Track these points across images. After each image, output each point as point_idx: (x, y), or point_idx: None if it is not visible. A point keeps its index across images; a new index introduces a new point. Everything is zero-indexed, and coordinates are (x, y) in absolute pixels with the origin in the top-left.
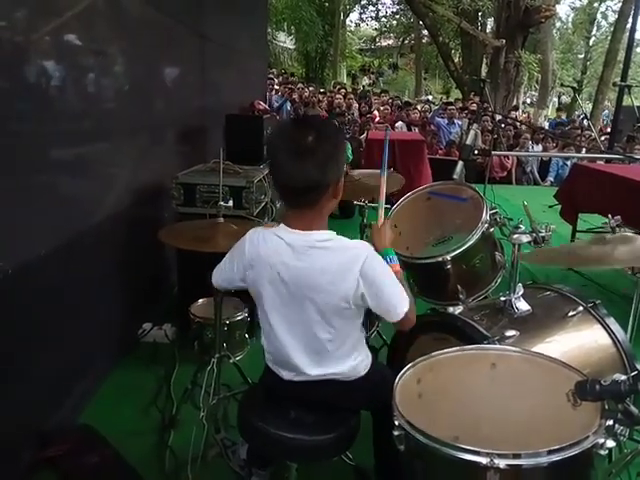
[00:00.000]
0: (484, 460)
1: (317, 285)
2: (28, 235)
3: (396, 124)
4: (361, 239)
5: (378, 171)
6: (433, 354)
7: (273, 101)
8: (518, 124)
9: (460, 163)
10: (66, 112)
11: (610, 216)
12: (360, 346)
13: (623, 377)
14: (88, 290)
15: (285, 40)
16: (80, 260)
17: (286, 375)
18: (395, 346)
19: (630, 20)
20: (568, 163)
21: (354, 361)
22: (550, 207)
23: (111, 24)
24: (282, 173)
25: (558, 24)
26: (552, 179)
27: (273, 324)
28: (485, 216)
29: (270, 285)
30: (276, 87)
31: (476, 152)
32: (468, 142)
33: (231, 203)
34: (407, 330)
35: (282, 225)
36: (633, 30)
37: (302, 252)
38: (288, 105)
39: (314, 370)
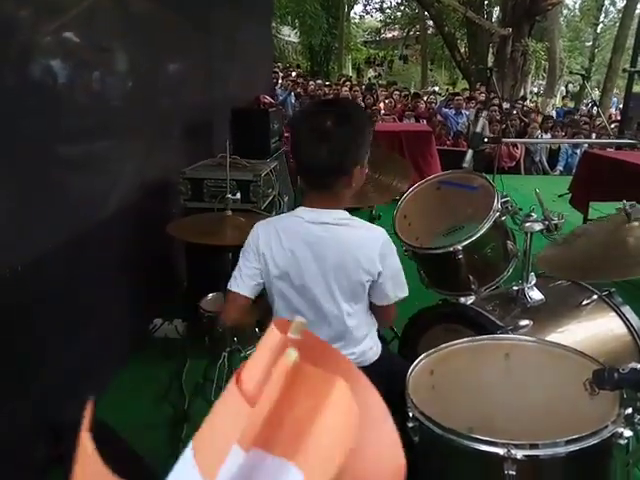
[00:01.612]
0: (501, 451)
1: (339, 260)
2: (36, 232)
3: (404, 114)
4: None
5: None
6: (446, 345)
7: (277, 95)
8: (526, 108)
9: (470, 151)
10: (72, 109)
11: (625, 201)
12: (373, 331)
13: None
14: (97, 287)
15: (289, 34)
16: (88, 257)
17: None
18: (406, 337)
19: (639, 5)
20: (577, 152)
21: (366, 346)
22: (560, 196)
23: (117, 19)
24: (301, 154)
25: (565, 11)
26: (561, 168)
27: (291, 305)
28: (496, 204)
29: (291, 265)
30: (280, 81)
31: (486, 140)
32: (477, 130)
33: (239, 196)
34: (385, 324)
35: (300, 207)
36: None
37: (324, 228)
38: (292, 98)
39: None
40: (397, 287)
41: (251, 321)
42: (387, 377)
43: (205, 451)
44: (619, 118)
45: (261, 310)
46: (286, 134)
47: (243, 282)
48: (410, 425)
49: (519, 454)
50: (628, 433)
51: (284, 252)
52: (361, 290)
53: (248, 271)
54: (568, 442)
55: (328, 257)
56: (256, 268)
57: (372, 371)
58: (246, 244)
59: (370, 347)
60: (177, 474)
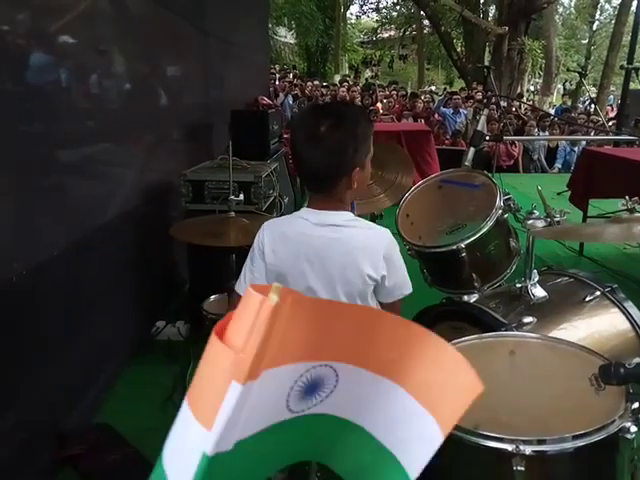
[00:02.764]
0: (509, 447)
1: (344, 262)
2: (40, 236)
3: (402, 113)
4: None
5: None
6: (450, 343)
7: (279, 98)
8: (524, 109)
9: (471, 150)
10: (73, 113)
11: (627, 197)
12: None
13: None
14: (100, 290)
15: (286, 35)
16: (91, 260)
17: None
18: None
19: (635, 2)
20: (575, 149)
21: None
22: (559, 194)
23: (115, 22)
24: (298, 157)
25: (560, 9)
26: (559, 166)
27: None
28: (499, 202)
29: (294, 266)
30: (277, 82)
31: (487, 138)
32: (479, 128)
33: (242, 197)
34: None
35: (304, 209)
36: (639, 12)
37: (332, 229)
38: (290, 100)
39: None
40: (401, 285)
41: None
42: None
43: (201, 404)
44: (612, 115)
45: None
46: (285, 135)
47: (246, 285)
48: None
49: (527, 450)
50: (634, 428)
51: (288, 254)
52: (366, 290)
53: (250, 274)
54: (575, 437)
55: (333, 259)
56: (259, 270)
57: None
58: (254, 243)
59: None
60: (178, 432)
